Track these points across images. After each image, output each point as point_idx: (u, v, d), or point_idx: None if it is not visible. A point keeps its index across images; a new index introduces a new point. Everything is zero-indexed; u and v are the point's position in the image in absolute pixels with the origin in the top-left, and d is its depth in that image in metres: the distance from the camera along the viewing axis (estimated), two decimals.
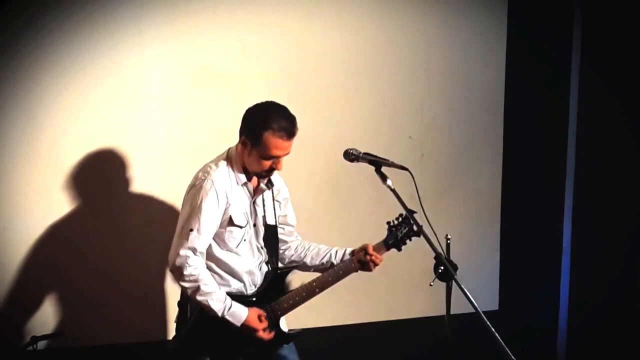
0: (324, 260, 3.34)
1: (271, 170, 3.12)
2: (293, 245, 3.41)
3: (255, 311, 3.16)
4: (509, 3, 4.37)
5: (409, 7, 4.17)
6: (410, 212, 3.03)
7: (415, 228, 3.09)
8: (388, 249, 3.27)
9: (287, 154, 3.11)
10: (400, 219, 3.23)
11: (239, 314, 3.11)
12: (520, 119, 4.46)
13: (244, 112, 3.14)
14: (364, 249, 3.26)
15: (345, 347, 4.13)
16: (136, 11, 3.65)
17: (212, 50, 3.81)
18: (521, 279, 4.52)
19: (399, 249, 3.28)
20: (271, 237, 3.29)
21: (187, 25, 3.74)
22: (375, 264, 3.26)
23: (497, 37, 4.38)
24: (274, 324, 3.22)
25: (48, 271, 3.64)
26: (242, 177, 3.16)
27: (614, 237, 4.40)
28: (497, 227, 4.52)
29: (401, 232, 3.24)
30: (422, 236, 2.95)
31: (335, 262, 3.30)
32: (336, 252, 3.34)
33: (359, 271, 3.29)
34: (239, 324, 3.10)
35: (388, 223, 3.26)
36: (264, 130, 3.03)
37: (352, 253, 3.29)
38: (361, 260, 3.25)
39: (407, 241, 3.26)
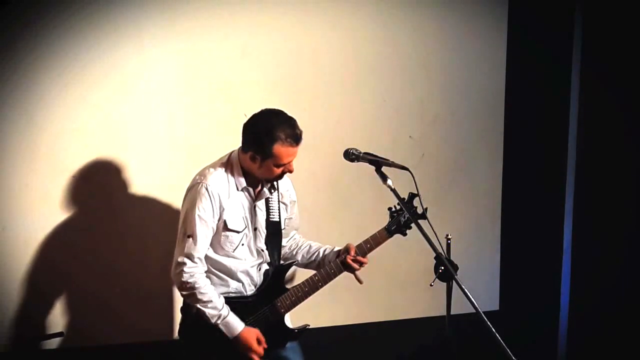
0: (312, 259, 3.38)
1: (283, 173, 3.14)
2: (288, 244, 3.43)
3: (256, 333, 3.15)
4: (509, 4, 4.37)
5: (409, 7, 4.17)
6: (413, 195, 3.05)
7: (419, 211, 3.07)
8: (391, 235, 3.24)
9: (294, 157, 3.13)
10: (401, 204, 3.14)
11: (234, 326, 3.11)
12: (520, 119, 4.46)
13: (243, 123, 3.14)
14: (346, 251, 3.25)
15: (345, 347, 4.13)
16: (136, 11, 3.65)
17: (212, 51, 3.81)
18: (521, 279, 4.52)
19: (404, 234, 3.24)
20: (274, 237, 3.29)
21: (187, 25, 3.74)
22: (354, 268, 3.23)
23: (497, 37, 4.38)
24: (278, 322, 3.23)
25: (48, 271, 3.63)
26: (242, 182, 3.17)
27: (615, 237, 4.40)
28: (497, 227, 4.52)
29: (404, 217, 3.21)
30: (428, 223, 2.94)
31: (321, 262, 3.32)
32: (324, 251, 3.36)
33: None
34: (231, 336, 3.11)
35: (390, 209, 3.25)
36: (273, 143, 3.04)
37: (337, 255, 3.28)
38: (343, 262, 3.23)
39: (412, 225, 3.16)
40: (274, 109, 3.13)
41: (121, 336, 3.75)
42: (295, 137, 3.07)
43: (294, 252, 3.41)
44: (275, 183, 3.27)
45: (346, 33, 4.05)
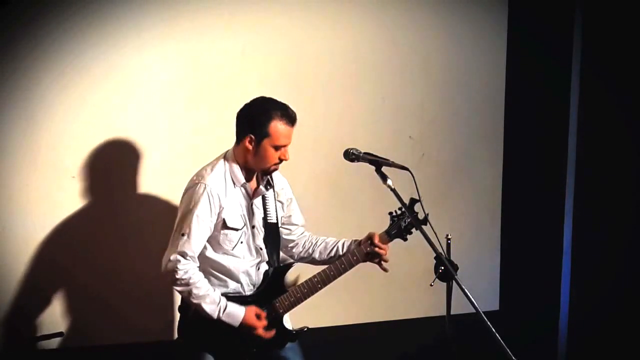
0: (332, 254, 3.34)
1: (279, 161, 3.14)
2: (301, 242, 3.41)
3: (253, 309, 3.15)
4: (509, 3, 4.38)
5: (409, 7, 4.17)
6: (415, 200, 3.05)
7: (420, 216, 3.07)
8: (391, 239, 3.23)
9: (290, 143, 3.13)
10: (403, 208, 3.15)
11: (236, 314, 3.11)
12: (520, 119, 4.46)
13: (236, 114, 3.15)
14: (369, 238, 3.23)
15: (345, 347, 4.13)
16: (136, 11, 3.65)
17: (212, 51, 3.81)
18: (521, 279, 4.52)
19: (404, 239, 3.24)
20: (272, 237, 3.29)
21: (187, 25, 3.74)
22: (380, 254, 3.21)
23: (497, 37, 4.38)
24: (276, 322, 3.22)
25: (48, 271, 3.63)
26: (241, 178, 3.17)
27: (615, 237, 4.40)
28: (497, 227, 4.52)
29: (404, 221, 3.21)
30: (428, 224, 2.97)
31: (341, 256, 3.29)
32: (343, 244, 3.33)
33: (366, 261, 3.26)
34: (236, 324, 3.11)
35: (390, 213, 3.24)
36: (269, 121, 3.07)
37: (359, 244, 3.27)
38: (368, 252, 3.22)
39: (413, 230, 3.17)
40: (265, 96, 3.15)
41: (121, 336, 3.75)
42: (290, 117, 3.10)
43: (310, 251, 3.39)
44: (270, 179, 3.27)
45: (346, 33, 4.05)
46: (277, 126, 3.07)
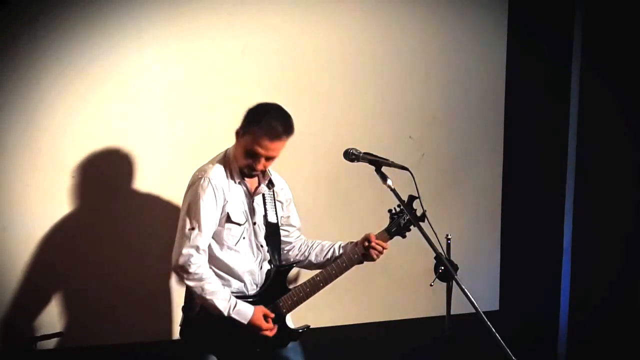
0: (328, 257, 3.34)
1: (251, 168, 3.12)
2: (297, 245, 3.41)
3: (261, 309, 3.16)
4: (509, 3, 4.38)
5: (408, 7, 4.17)
6: (413, 197, 3.05)
7: (418, 213, 3.08)
8: (391, 237, 3.25)
9: (272, 157, 3.11)
10: (402, 206, 3.16)
11: (245, 312, 3.11)
12: (520, 119, 4.46)
13: (244, 112, 3.17)
14: (366, 239, 3.24)
15: (345, 347, 4.13)
16: (136, 11, 3.65)
17: (212, 51, 3.81)
18: (521, 279, 4.52)
19: (403, 236, 3.26)
20: (273, 236, 3.29)
21: (187, 25, 3.74)
22: (380, 252, 3.23)
23: (497, 37, 4.38)
24: (279, 322, 3.22)
25: (48, 271, 3.63)
26: (240, 175, 3.17)
27: (615, 236, 4.40)
28: (497, 227, 4.52)
29: (404, 218, 3.23)
30: (427, 223, 2.97)
31: (338, 258, 3.29)
32: (339, 246, 3.34)
33: (363, 262, 3.27)
34: (245, 322, 3.11)
35: (390, 211, 3.26)
36: (254, 124, 3.06)
37: (356, 244, 3.28)
38: (365, 249, 3.22)
39: (412, 227, 3.20)
40: (284, 109, 3.14)
41: (121, 336, 3.75)
42: (275, 132, 3.05)
43: (306, 254, 3.39)
44: (272, 179, 3.27)
45: (346, 33, 4.05)
46: (256, 133, 3.05)
